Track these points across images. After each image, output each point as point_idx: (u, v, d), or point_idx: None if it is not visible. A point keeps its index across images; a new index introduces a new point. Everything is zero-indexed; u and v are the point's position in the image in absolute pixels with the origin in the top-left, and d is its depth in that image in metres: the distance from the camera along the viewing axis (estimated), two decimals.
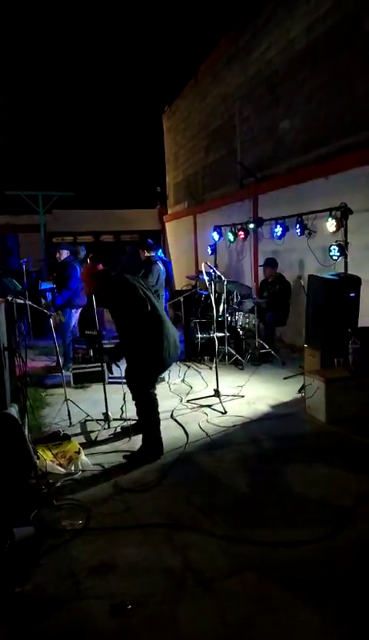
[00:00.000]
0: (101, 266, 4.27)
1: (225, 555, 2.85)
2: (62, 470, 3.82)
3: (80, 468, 3.88)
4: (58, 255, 7.28)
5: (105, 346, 5.22)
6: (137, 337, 3.98)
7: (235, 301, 7.82)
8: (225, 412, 5.10)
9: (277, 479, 3.70)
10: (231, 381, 6.21)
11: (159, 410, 4.21)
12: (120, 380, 4.38)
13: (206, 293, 7.79)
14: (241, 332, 7.44)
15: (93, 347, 6.42)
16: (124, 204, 15.64)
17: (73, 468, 3.85)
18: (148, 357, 4.03)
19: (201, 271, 5.86)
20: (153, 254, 6.59)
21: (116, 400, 4.99)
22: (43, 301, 7.20)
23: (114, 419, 4.88)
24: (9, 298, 7.50)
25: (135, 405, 4.18)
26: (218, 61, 10.78)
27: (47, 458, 3.86)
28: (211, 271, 5.72)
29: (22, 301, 6.78)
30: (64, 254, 7.26)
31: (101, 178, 18.60)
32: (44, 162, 18.01)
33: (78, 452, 4.04)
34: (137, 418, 4.29)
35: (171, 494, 3.55)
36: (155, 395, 4.18)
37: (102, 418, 4.88)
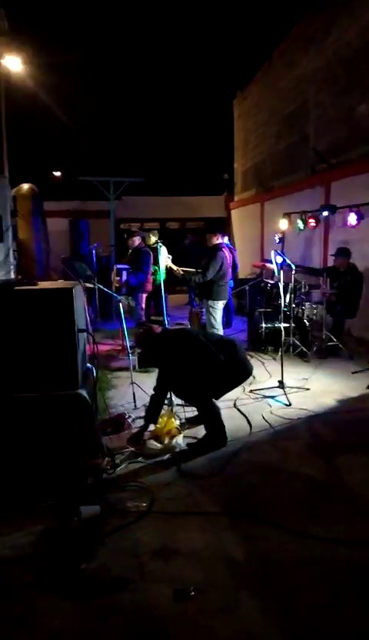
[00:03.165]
0: (158, 329, 4.32)
1: (289, 548, 2.80)
2: (159, 445, 3.91)
3: (175, 446, 3.93)
4: (130, 242, 7.40)
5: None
6: (208, 389, 4.09)
7: (302, 291, 7.61)
8: (289, 404, 5.00)
9: (343, 476, 3.58)
10: (295, 373, 6.08)
11: (221, 400, 4.21)
12: None
13: (272, 282, 7.64)
14: (307, 323, 7.25)
15: None
16: (191, 190, 15.58)
17: (173, 444, 3.93)
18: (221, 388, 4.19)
19: (268, 259, 5.75)
20: (220, 241, 6.53)
21: None
22: (117, 278, 7.32)
23: (178, 405, 4.91)
24: (80, 281, 7.72)
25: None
26: (294, 43, 10.43)
27: (172, 427, 4.01)
28: (279, 259, 5.59)
29: (92, 286, 6.97)
30: (137, 241, 7.37)
31: (168, 164, 18.63)
32: (114, 149, 18.27)
33: (179, 430, 4.12)
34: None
35: (235, 482, 3.53)
36: None
37: (166, 402, 4.91)
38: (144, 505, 3.24)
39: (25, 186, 10.20)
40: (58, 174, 20.62)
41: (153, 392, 4.24)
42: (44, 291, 3.12)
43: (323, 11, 8.97)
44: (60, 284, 3.37)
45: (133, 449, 3.92)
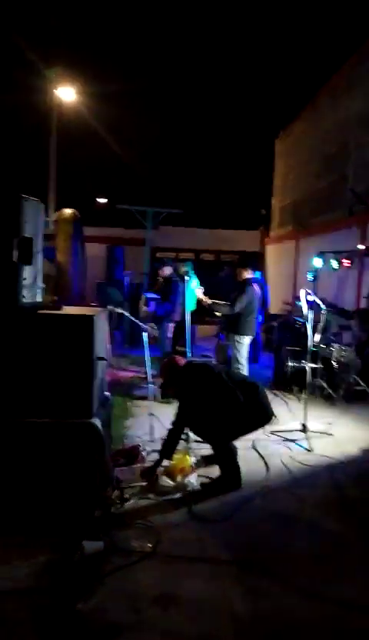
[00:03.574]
0: (182, 362, 4.27)
1: (297, 608, 2.62)
2: (171, 483, 3.80)
3: (187, 484, 3.80)
4: (161, 272, 7.44)
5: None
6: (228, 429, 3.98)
7: (332, 331, 7.43)
8: (311, 450, 4.81)
9: (363, 532, 3.37)
10: (319, 417, 5.87)
11: (240, 440, 4.08)
12: None
13: (302, 320, 7.49)
14: (335, 365, 7.04)
15: None
16: (227, 224, 15.73)
17: (186, 482, 3.80)
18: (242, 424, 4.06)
19: (298, 297, 5.64)
20: (251, 275, 6.48)
21: None
22: (144, 308, 7.34)
23: (195, 441, 4.77)
24: (110, 307, 7.77)
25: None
26: (338, 85, 10.54)
27: (186, 464, 3.90)
28: (310, 297, 5.48)
29: (121, 311, 7.00)
30: (168, 270, 7.41)
31: (207, 197, 18.91)
32: (156, 179, 18.70)
33: (193, 469, 3.99)
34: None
35: (246, 529, 3.37)
36: None
37: (184, 437, 4.79)
38: (150, 545, 3.11)
39: (68, 211, 10.46)
40: (103, 200, 21.18)
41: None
42: (66, 316, 3.11)
43: (367, 56, 9.05)
44: (83, 310, 3.35)
45: (144, 484, 3.81)
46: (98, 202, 21.76)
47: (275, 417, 5.74)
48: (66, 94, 12.95)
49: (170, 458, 4.02)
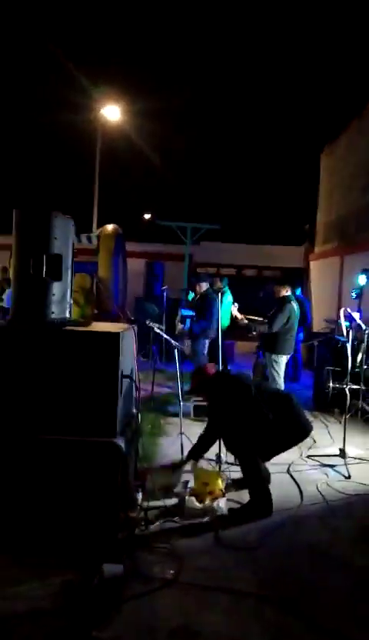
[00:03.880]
0: (212, 370, 4.23)
1: None
2: (198, 506, 3.69)
3: (216, 509, 3.68)
4: (197, 288, 7.39)
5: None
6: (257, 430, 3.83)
7: None
8: (349, 477, 4.56)
9: None
10: (360, 442, 5.60)
11: (274, 462, 3.92)
12: None
13: (343, 339, 7.23)
14: None
15: None
16: (270, 239, 15.56)
17: (215, 507, 3.68)
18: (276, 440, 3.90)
19: (347, 315, 5.44)
20: (289, 293, 6.32)
21: None
22: (180, 325, 7.31)
23: (227, 463, 4.64)
24: (148, 322, 7.76)
25: (238, 460, 3.94)
26: None
27: (216, 488, 3.80)
28: (351, 316, 5.27)
29: (157, 327, 7.00)
30: (204, 286, 7.35)
31: (250, 212, 18.83)
32: (198, 195, 18.82)
33: (223, 493, 3.87)
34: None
35: (273, 560, 3.20)
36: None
37: (215, 459, 4.66)
38: (172, 572, 3.00)
39: (110, 226, 10.64)
40: (148, 216, 21.47)
41: (202, 432, 4.13)
42: (92, 333, 3.08)
43: None
44: (111, 327, 3.32)
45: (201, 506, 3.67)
46: (144, 218, 22.07)
47: (315, 442, 5.56)
48: (111, 112, 13.28)
49: (196, 459, 4.07)
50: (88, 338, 3.04)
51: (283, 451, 4.08)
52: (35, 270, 3.01)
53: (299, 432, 4.01)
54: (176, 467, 3.96)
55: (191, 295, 7.71)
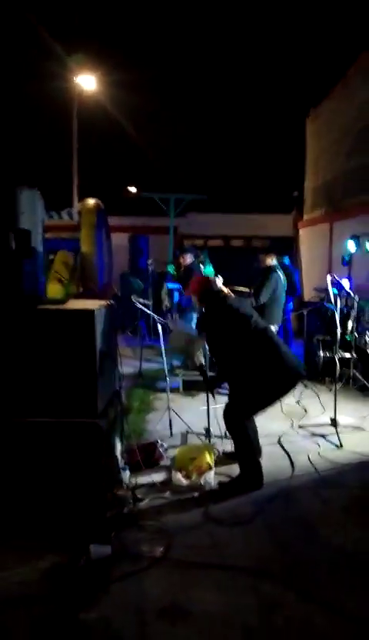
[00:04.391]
0: (219, 285, 4.13)
1: (316, 623, 2.40)
2: (185, 482, 3.64)
3: (203, 484, 3.64)
4: (181, 260, 7.23)
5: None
6: (241, 362, 3.68)
7: (367, 319, 7.05)
8: (341, 446, 4.52)
9: None
10: (352, 410, 5.56)
11: (265, 434, 3.84)
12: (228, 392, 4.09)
13: (332, 307, 7.14)
14: None
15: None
16: (258, 208, 15.26)
17: (202, 482, 3.64)
18: (264, 381, 3.66)
19: (335, 282, 5.31)
20: (274, 262, 6.18)
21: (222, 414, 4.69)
22: (167, 298, 7.19)
23: (217, 436, 4.58)
24: (133, 298, 7.59)
25: (228, 431, 3.85)
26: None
27: (203, 463, 3.75)
28: (338, 283, 5.15)
29: (143, 303, 6.86)
30: (189, 258, 7.19)
31: (236, 181, 18.46)
32: (181, 165, 18.41)
33: (210, 467, 3.81)
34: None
35: (265, 534, 3.15)
36: (253, 422, 3.81)
37: (204, 433, 4.60)
38: (161, 550, 2.95)
39: (91, 201, 10.35)
40: (133, 189, 21.00)
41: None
42: (66, 312, 2.95)
43: None
44: (87, 304, 3.18)
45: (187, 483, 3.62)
46: (129, 191, 21.61)
47: (306, 412, 5.51)
48: (87, 81, 12.80)
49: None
50: (62, 316, 2.91)
51: (273, 400, 3.77)
52: (3, 247, 2.85)
53: (289, 374, 3.73)
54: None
55: (171, 267, 7.56)
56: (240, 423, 3.74)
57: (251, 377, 3.65)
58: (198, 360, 4.30)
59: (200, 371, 4.27)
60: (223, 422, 4.35)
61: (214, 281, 4.12)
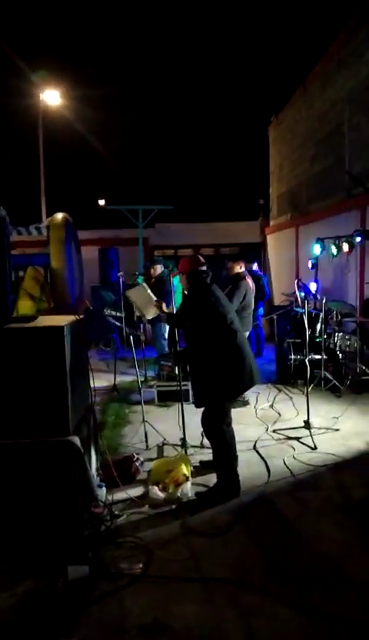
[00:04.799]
0: (204, 267, 4.07)
1: (294, 627, 2.41)
2: (162, 496, 3.62)
3: (180, 496, 3.62)
4: (152, 271, 7.23)
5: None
6: (208, 351, 3.72)
7: (335, 320, 7.18)
8: (315, 448, 4.57)
9: (365, 540, 3.14)
10: (325, 411, 5.64)
11: (240, 440, 3.86)
12: None
13: (301, 311, 7.25)
14: (340, 355, 6.79)
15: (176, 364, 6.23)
16: (226, 216, 15.42)
17: (179, 494, 3.61)
18: (222, 376, 3.69)
19: (299, 287, 5.39)
20: (243, 269, 6.24)
21: (197, 423, 4.68)
22: (137, 312, 7.16)
23: (192, 446, 4.58)
24: (105, 311, 7.54)
25: (207, 439, 3.85)
26: (328, 65, 10.19)
27: (179, 475, 3.74)
28: (306, 287, 5.24)
29: (112, 314, 6.83)
30: (159, 269, 7.19)
31: (203, 190, 18.63)
32: (148, 177, 18.48)
33: (187, 478, 3.79)
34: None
35: (244, 542, 3.16)
36: (230, 429, 3.82)
37: (179, 443, 4.60)
38: (140, 566, 2.92)
39: (59, 215, 10.28)
40: (103, 202, 20.92)
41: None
42: (34, 329, 2.91)
43: (356, 32, 8.72)
44: (56, 320, 3.14)
45: (163, 496, 3.60)
46: (99, 204, 21.56)
47: (279, 415, 5.56)
48: (52, 97, 12.77)
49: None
50: (30, 334, 2.87)
51: (221, 397, 3.81)
52: None
53: (239, 383, 3.81)
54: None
55: (140, 279, 7.55)
56: (218, 429, 3.75)
57: (209, 367, 3.71)
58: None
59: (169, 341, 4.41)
60: (199, 432, 4.38)
61: (204, 262, 4.12)
